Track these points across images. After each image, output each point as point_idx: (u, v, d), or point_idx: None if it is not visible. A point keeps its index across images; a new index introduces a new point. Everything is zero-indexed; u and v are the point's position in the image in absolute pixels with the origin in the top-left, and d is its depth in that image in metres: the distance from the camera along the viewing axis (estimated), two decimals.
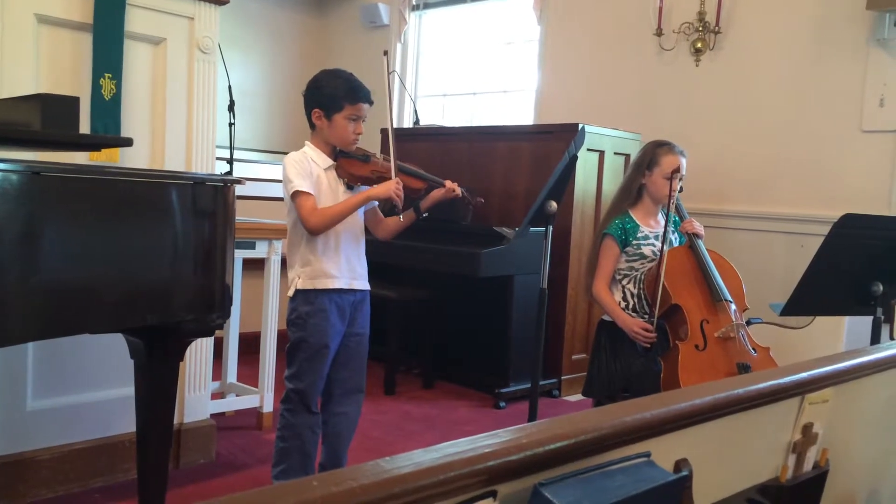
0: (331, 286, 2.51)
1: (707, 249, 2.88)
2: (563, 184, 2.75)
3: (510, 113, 5.71)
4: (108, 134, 2.61)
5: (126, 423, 2.71)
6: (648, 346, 2.79)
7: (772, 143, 4.34)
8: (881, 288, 2.54)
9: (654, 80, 4.79)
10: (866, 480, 1.81)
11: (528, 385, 3.35)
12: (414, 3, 6.12)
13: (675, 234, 3.00)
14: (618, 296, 2.95)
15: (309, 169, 2.49)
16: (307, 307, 2.51)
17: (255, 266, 3.71)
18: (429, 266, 4.31)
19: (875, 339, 2.56)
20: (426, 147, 4.92)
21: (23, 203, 1.76)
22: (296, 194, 2.44)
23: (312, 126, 2.55)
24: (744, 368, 2.62)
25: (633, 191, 2.99)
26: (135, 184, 2.04)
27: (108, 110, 2.63)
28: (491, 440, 0.89)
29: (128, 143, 2.26)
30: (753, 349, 2.72)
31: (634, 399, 1.16)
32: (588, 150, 4.33)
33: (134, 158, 2.73)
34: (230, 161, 3.15)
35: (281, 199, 2.58)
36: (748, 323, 2.97)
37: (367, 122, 2.58)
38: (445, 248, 4.19)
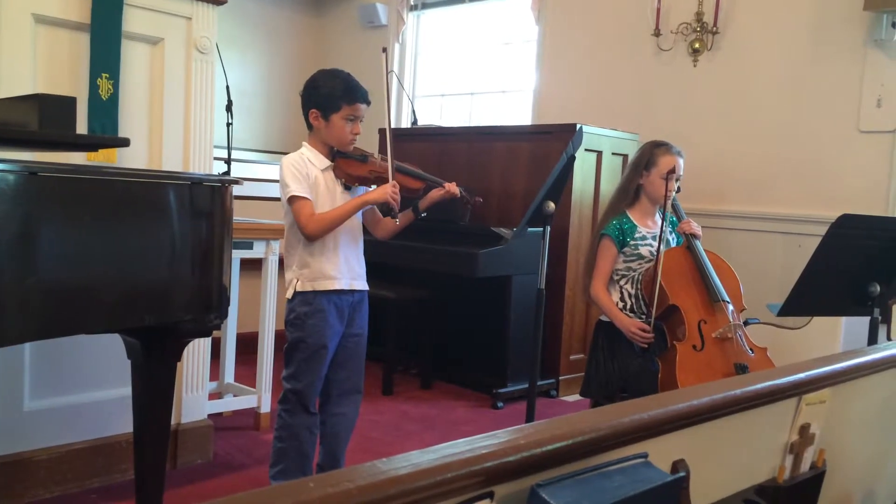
0: (330, 287, 2.51)
1: (705, 250, 2.88)
2: (561, 184, 2.75)
3: (508, 113, 5.71)
4: (106, 134, 2.60)
5: (123, 424, 2.71)
6: (646, 346, 2.79)
7: (769, 144, 4.34)
8: (878, 288, 2.54)
9: (652, 81, 4.79)
10: (863, 481, 1.81)
11: (526, 385, 3.35)
12: (412, 3, 6.11)
13: (673, 234, 3.01)
14: (615, 296, 2.95)
15: (306, 171, 2.48)
16: (305, 308, 2.50)
17: (252, 266, 3.71)
18: (427, 266, 4.31)
19: (872, 339, 2.56)
20: (424, 147, 4.92)
21: (20, 203, 1.76)
22: (293, 199, 2.44)
23: (310, 126, 2.55)
24: (741, 369, 2.62)
25: (630, 191, 2.99)
26: (132, 184, 2.03)
27: (106, 110, 2.62)
28: (488, 441, 0.89)
29: (125, 143, 2.25)
30: (751, 349, 2.73)
31: (632, 400, 1.16)
32: (586, 150, 4.33)
33: (131, 159, 2.73)
34: (228, 161, 3.15)
35: (278, 200, 2.58)
36: (746, 323, 2.98)
37: (364, 121, 2.58)
38: (444, 248, 4.19)
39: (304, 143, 2.57)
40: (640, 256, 2.92)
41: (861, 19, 4.00)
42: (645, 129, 4.55)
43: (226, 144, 3.20)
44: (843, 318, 3.38)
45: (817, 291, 2.59)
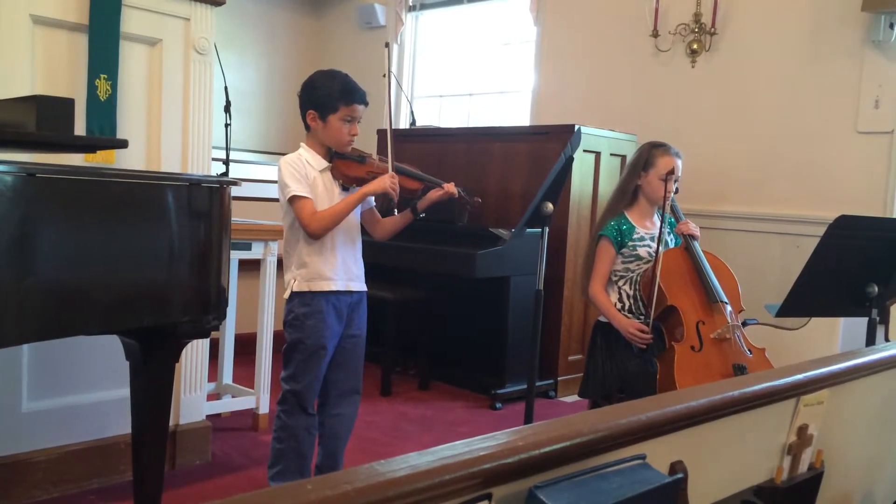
0: (326, 288, 2.51)
1: (703, 250, 2.89)
2: (560, 185, 2.75)
3: (507, 114, 5.71)
4: (104, 135, 2.60)
5: (122, 425, 2.70)
6: (644, 347, 2.79)
7: (767, 145, 4.34)
8: (876, 289, 2.55)
9: (650, 82, 4.79)
10: (861, 482, 1.82)
11: (525, 386, 3.35)
12: (410, 3, 6.12)
13: (671, 235, 3.01)
14: (614, 297, 2.95)
15: (304, 172, 2.48)
16: (304, 308, 2.50)
17: (251, 267, 3.70)
18: (425, 267, 4.31)
19: (870, 340, 2.56)
20: (423, 148, 4.92)
21: (18, 205, 1.76)
22: (294, 199, 2.44)
23: (308, 127, 2.55)
24: (739, 369, 2.62)
25: (628, 192, 2.99)
26: (130, 185, 2.03)
27: (104, 111, 2.62)
28: (486, 443, 0.89)
29: (123, 144, 2.25)
30: (749, 350, 2.73)
31: (630, 401, 1.17)
32: (584, 151, 4.33)
33: (130, 160, 2.73)
34: (226, 162, 3.15)
35: (277, 200, 2.58)
36: (744, 324, 2.98)
37: (363, 122, 2.58)
38: (442, 249, 4.19)
39: (302, 144, 2.57)
40: (639, 257, 2.92)
41: (859, 20, 4.00)
42: (643, 129, 4.55)
43: (224, 145, 3.19)
44: (842, 319, 3.38)
45: (815, 292, 2.59)
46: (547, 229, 2.73)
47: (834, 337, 3.42)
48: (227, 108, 3.17)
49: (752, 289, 3.48)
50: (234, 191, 2.33)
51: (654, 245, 2.87)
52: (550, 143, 4.27)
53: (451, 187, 2.62)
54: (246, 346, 3.87)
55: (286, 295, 2.54)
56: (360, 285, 2.61)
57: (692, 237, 2.88)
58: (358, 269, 2.62)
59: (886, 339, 3.15)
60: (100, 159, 2.64)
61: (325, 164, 2.53)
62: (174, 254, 2.10)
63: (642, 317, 2.85)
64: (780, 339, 3.53)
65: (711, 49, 4.54)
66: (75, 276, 1.88)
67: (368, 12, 6.19)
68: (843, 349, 3.27)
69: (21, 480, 2.58)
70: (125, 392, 2.32)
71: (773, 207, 4.31)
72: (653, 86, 4.78)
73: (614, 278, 2.96)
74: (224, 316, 2.28)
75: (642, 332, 2.78)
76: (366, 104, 2.54)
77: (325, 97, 2.48)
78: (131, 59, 2.73)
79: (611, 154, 4.52)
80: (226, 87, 3.11)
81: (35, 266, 1.80)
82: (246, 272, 3.81)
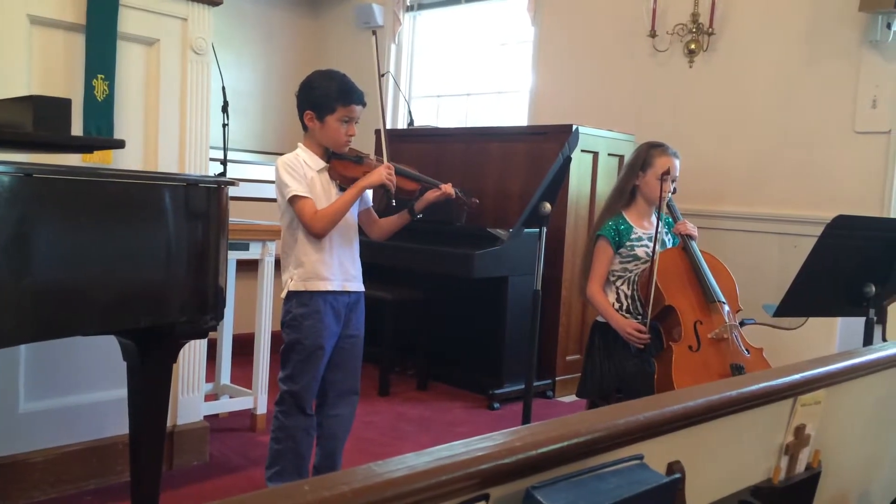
0: (323, 288, 2.51)
1: (700, 250, 2.89)
2: (557, 185, 2.75)
3: (504, 114, 5.71)
4: (101, 135, 2.60)
5: (119, 426, 2.70)
6: (642, 347, 2.79)
7: (765, 144, 4.35)
8: (874, 289, 2.55)
9: (648, 82, 4.80)
10: (859, 481, 1.82)
11: (523, 386, 3.34)
12: (408, 3, 6.12)
13: (669, 235, 3.01)
14: (612, 297, 2.95)
15: (302, 172, 2.48)
16: (302, 309, 2.50)
17: (248, 267, 3.70)
18: (423, 267, 4.31)
19: (868, 340, 2.57)
20: (420, 148, 4.92)
21: (15, 205, 1.76)
22: (294, 199, 2.44)
23: (305, 127, 2.55)
24: (737, 369, 2.63)
25: (626, 192, 2.99)
26: (128, 185, 2.03)
27: (101, 111, 2.62)
28: (484, 443, 0.89)
29: (120, 144, 2.25)
30: (747, 350, 2.73)
31: (627, 401, 1.17)
32: (582, 151, 4.33)
33: (127, 160, 2.72)
34: (224, 162, 3.14)
35: (274, 201, 2.57)
36: (741, 324, 2.98)
37: (361, 122, 2.57)
38: (440, 249, 4.19)
39: (300, 145, 2.57)
40: (636, 257, 2.92)
41: (856, 20, 4.01)
42: (641, 129, 4.56)
43: (221, 145, 3.18)
44: (839, 319, 3.39)
45: (813, 292, 2.60)
46: (545, 229, 2.73)
47: (831, 337, 3.42)
48: (225, 109, 3.16)
49: (749, 289, 3.49)
50: (232, 191, 2.33)
51: (652, 245, 2.87)
52: (548, 143, 4.28)
53: (448, 188, 2.62)
54: (244, 346, 3.87)
55: (283, 294, 2.54)
56: (357, 285, 2.61)
57: (690, 237, 2.88)
58: (355, 269, 2.62)
59: (884, 339, 3.16)
60: (97, 159, 2.64)
61: (322, 164, 2.53)
62: (171, 254, 2.10)
63: (640, 317, 2.86)
64: (778, 339, 3.53)
65: (709, 49, 4.55)
66: (72, 277, 1.88)
67: (366, 12, 6.19)
68: (841, 349, 3.28)
69: (19, 481, 2.58)
70: (123, 393, 2.32)
71: (771, 207, 4.31)
72: (651, 86, 4.78)
73: (612, 278, 2.96)
74: (221, 316, 2.28)
75: (640, 332, 2.78)
76: (363, 105, 2.54)
77: (323, 97, 2.48)
78: (128, 60, 2.73)
79: (609, 154, 4.52)
80: (223, 87, 3.11)
81: (32, 266, 1.80)
82: (244, 272, 3.81)
